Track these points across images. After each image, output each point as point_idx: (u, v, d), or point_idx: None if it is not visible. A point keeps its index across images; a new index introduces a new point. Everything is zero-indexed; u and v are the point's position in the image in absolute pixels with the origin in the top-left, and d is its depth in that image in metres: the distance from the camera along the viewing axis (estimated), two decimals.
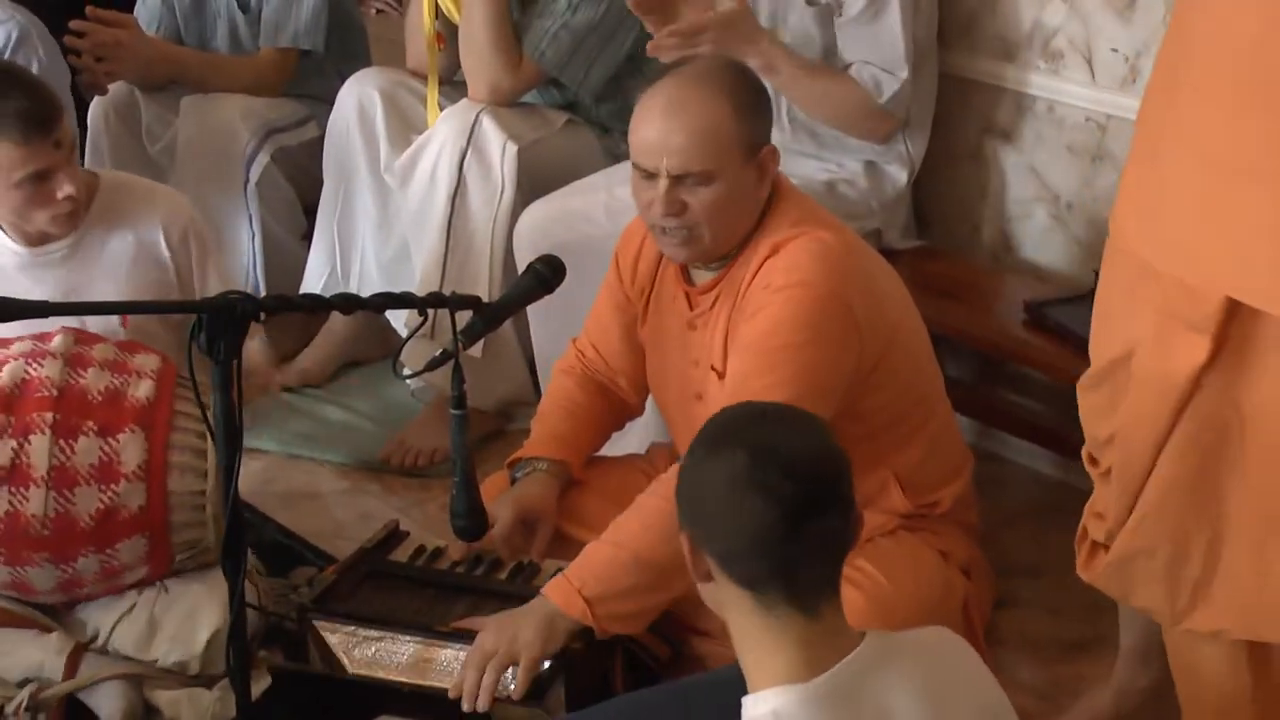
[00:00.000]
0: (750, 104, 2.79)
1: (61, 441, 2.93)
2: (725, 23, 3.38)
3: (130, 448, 2.95)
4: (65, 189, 3.10)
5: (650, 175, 2.77)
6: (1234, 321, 2.34)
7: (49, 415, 2.94)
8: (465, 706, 2.62)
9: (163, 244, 3.27)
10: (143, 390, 3.00)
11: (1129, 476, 2.50)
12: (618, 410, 3.19)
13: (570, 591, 2.66)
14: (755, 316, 2.76)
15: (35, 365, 2.98)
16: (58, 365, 2.98)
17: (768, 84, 3.51)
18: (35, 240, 3.21)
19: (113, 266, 3.22)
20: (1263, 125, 2.25)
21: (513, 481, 3.04)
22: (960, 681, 2.07)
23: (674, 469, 2.63)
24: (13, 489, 2.91)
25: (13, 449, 2.92)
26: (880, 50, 3.54)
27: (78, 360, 3.00)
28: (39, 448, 2.92)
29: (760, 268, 2.80)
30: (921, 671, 2.02)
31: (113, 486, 2.94)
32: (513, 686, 2.63)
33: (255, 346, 4.22)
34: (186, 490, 3.00)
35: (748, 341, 2.76)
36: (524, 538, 2.95)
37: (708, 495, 2.00)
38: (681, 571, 2.68)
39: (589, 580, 2.67)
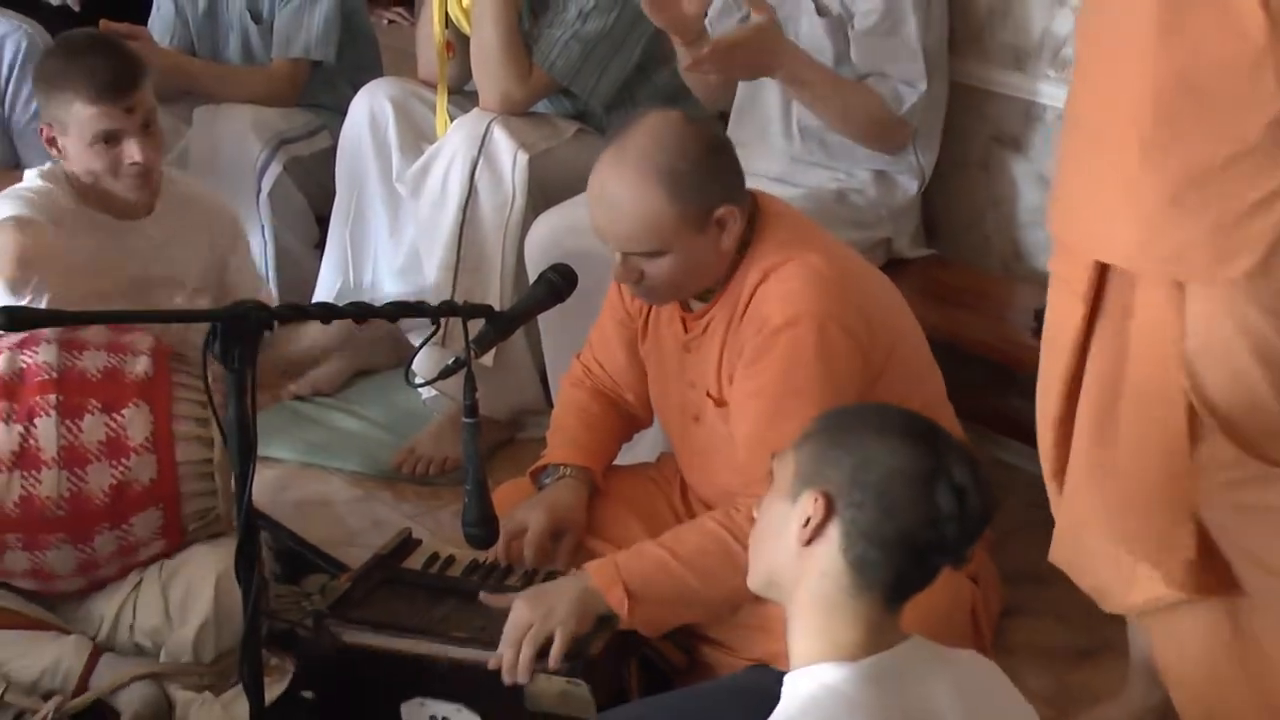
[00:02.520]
0: (690, 182, 2.73)
1: (68, 421, 2.96)
2: (755, 41, 3.37)
3: (136, 421, 2.98)
4: (133, 155, 3.19)
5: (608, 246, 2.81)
6: (1110, 285, 2.43)
7: (52, 397, 2.96)
8: (506, 679, 2.64)
9: (209, 245, 3.39)
10: (140, 366, 3.03)
11: (1045, 448, 2.57)
12: (628, 421, 3.20)
13: (614, 579, 2.70)
14: (762, 359, 2.76)
15: (30, 353, 3.01)
16: (53, 350, 3.01)
17: (794, 97, 3.53)
18: (117, 214, 3.29)
19: (188, 245, 3.35)
20: (1098, 88, 2.43)
21: (539, 488, 3.05)
22: (998, 702, 2.13)
23: (744, 509, 2.70)
24: (25, 473, 2.95)
25: (20, 434, 2.95)
26: (900, 62, 3.55)
27: (72, 344, 3.03)
28: (46, 430, 2.95)
29: (753, 295, 2.80)
30: (961, 682, 2.08)
31: (123, 461, 2.97)
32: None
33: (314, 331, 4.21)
34: (194, 460, 3.03)
35: (757, 387, 2.76)
36: (550, 545, 2.97)
37: (889, 472, 2.03)
38: (721, 600, 2.76)
39: (636, 575, 2.71)
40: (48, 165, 3.31)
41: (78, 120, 3.18)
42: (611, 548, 2.95)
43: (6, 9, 3.91)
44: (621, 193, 2.74)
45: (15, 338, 3.03)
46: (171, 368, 3.05)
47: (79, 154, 3.21)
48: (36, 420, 2.95)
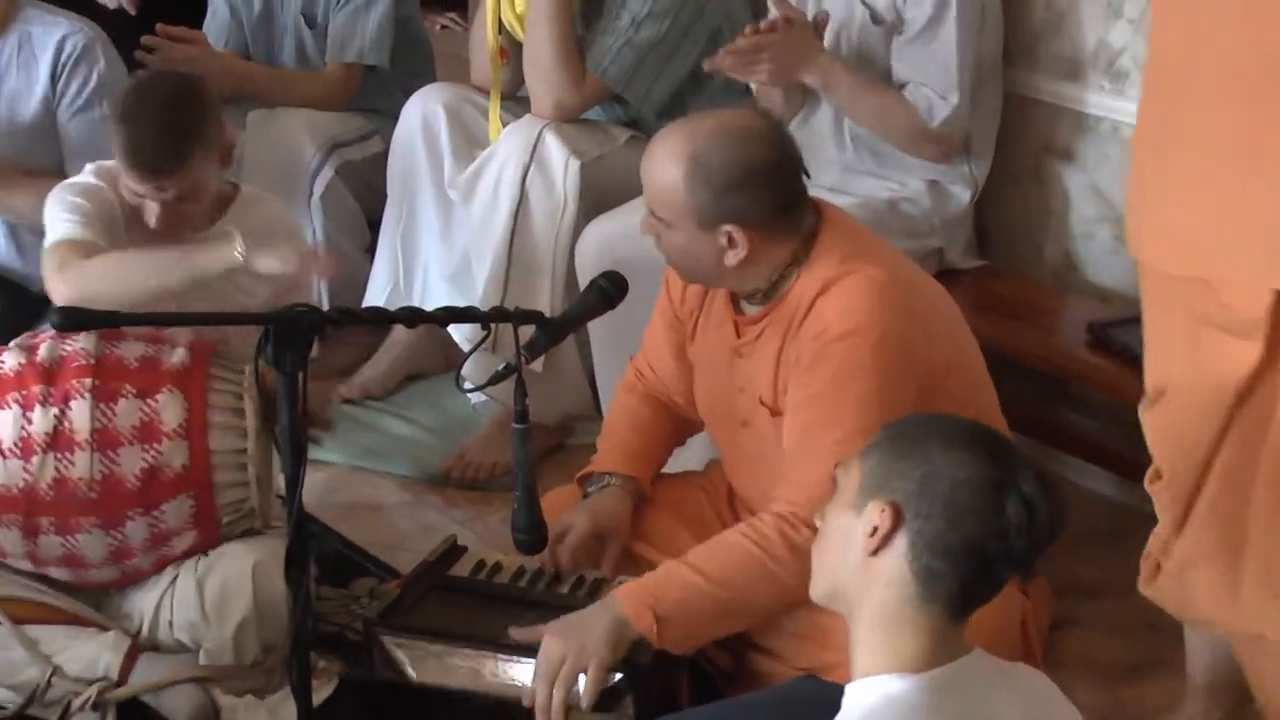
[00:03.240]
0: (710, 182, 2.73)
1: (102, 405, 2.98)
2: (784, 41, 3.39)
3: (170, 407, 2.99)
4: (150, 219, 3.18)
5: None
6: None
7: (88, 381, 2.98)
8: (540, 719, 2.63)
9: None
10: (177, 357, 3.04)
11: (1178, 485, 2.51)
12: (680, 426, 3.20)
13: (643, 606, 2.67)
14: (817, 367, 2.74)
15: (70, 341, 3.03)
16: (93, 338, 3.03)
17: (828, 100, 3.53)
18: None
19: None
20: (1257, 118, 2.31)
21: (585, 496, 3.05)
22: (1058, 717, 2.13)
23: (770, 520, 2.71)
24: (58, 455, 2.96)
25: (55, 416, 2.97)
26: (935, 73, 3.55)
27: (112, 334, 3.05)
28: (80, 412, 2.97)
29: (812, 306, 2.78)
30: (1022, 696, 2.08)
31: (155, 445, 2.98)
32: (581, 692, 2.64)
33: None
34: (228, 449, 3.03)
35: (813, 394, 2.75)
36: (595, 551, 2.97)
37: (958, 483, 2.03)
38: (754, 614, 2.75)
39: (664, 599, 2.68)
40: (109, 162, 3.31)
41: (119, 169, 3.18)
42: (659, 554, 2.95)
43: (67, 9, 3.93)
44: (659, 153, 2.79)
45: None
46: (210, 360, 3.06)
47: (125, 182, 3.21)
48: (72, 402, 2.98)
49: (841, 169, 3.73)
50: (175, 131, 3.16)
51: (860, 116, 3.60)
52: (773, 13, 3.56)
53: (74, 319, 2.54)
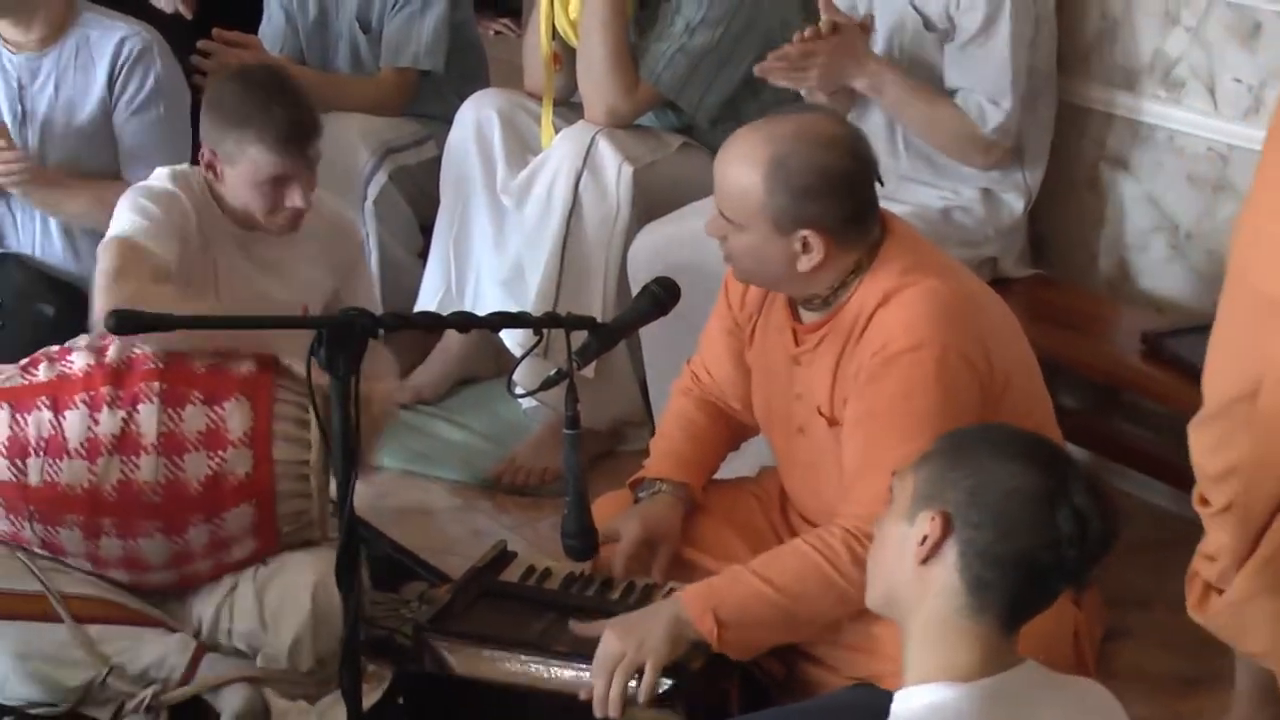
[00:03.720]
0: (790, 185, 2.72)
1: (169, 409, 2.99)
2: (833, 47, 3.38)
3: (236, 415, 3.00)
4: (295, 200, 3.23)
5: None
6: None
7: (156, 384, 2.99)
8: (597, 713, 2.64)
9: (331, 264, 3.41)
10: (244, 366, 3.05)
11: (1252, 517, 2.47)
12: (735, 430, 3.19)
13: (705, 608, 2.68)
14: (879, 383, 2.73)
15: (139, 344, 3.04)
16: None
17: (878, 106, 3.53)
18: (245, 225, 3.32)
19: (307, 263, 3.38)
20: None
21: (636, 501, 3.05)
22: None
23: (838, 533, 2.70)
24: (124, 457, 2.97)
25: (122, 419, 2.98)
26: (986, 79, 3.54)
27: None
28: (147, 415, 2.98)
29: (872, 317, 2.78)
30: (1076, 710, 2.08)
31: (220, 452, 2.99)
32: (637, 688, 2.65)
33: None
34: (291, 459, 3.03)
35: (876, 409, 2.74)
36: (645, 557, 2.97)
37: (1009, 493, 2.03)
38: (814, 626, 2.75)
39: (727, 603, 2.69)
40: (184, 166, 3.35)
41: (252, 161, 3.21)
42: (711, 560, 2.96)
43: (125, 14, 3.96)
44: (736, 155, 2.77)
45: None
46: (276, 370, 3.07)
47: (239, 189, 3.25)
48: (139, 406, 2.98)
49: (895, 177, 3.72)
50: (305, 102, 3.31)
51: (910, 122, 3.59)
52: (824, 19, 3.56)
53: (128, 322, 2.55)
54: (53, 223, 3.84)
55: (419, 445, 4.07)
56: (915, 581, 2.08)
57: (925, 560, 2.06)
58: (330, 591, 2.91)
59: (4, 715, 3.07)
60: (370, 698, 2.84)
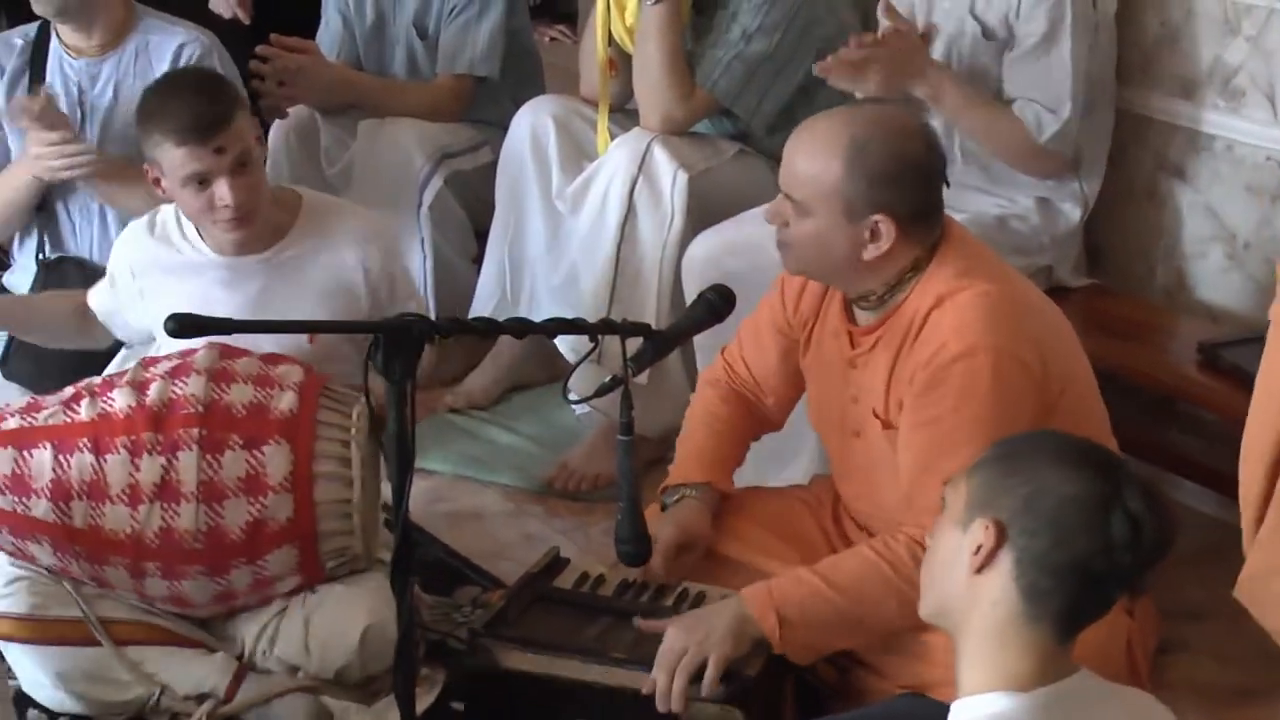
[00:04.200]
0: (870, 170, 2.73)
1: (209, 456, 2.97)
2: (893, 53, 3.38)
3: (276, 459, 2.99)
4: (224, 198, 3.14)
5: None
6: None
7: (195, 431, 2.98)
8: (660, 707, 2.64)
9: (361, 271, 3.30)
10: (285, 402, 3.03)
11: (1251, 492, 2.49)
12: (758, 424, 3.20)
13: (768, 606, 2.69)
14: (935, 389, 2.73)
15: (180, 383, 3.02)
16: (202, 382, 3.02)
17: (935, 114, 3.52)
18: (228, 251, 3.27)
19: (308, 285, 3.27)
20: None
21: (663, 508, 3.06)
22: None
23: (902, 540, 2.70)
24: (164, 505, 2.96)
25: (162, 466, 2.97)
26: (1046, 89, 3.53)
27: (221, 375, 3.04)
28: (187, 463, 2.97)
29: (926, 319, 2.78)
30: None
31: (261, 499, 2.98)
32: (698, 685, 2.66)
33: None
34: (333, 499, 3.03)
35: (932, 416, 2.73)
36: (684, 560, 2.97)
37: (1062, 500, 2.03)
38: (876, 630, 2.75)
39: (790, 602, 2.70)
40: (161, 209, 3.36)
41: (169, 162, 3.15)
42: (762, 560, 2.97)
43: (186, 20, 3.99)
44: (816, 133, 2.78)
45: (170, 364, 3.07)
46: (319, 404, 3.05)
47: (176, 195, 3.20)
48: (179, 453, 2.97)
49: (951, 184, 3.70)
50: (212, 91, 3.22)
51: (968, 130, 3.59)
52: (883, 25, 3.55)
53: (187, 325, 2.57)
54: (111, 226, 3.87)
55: (471, 450, 4.08)
56: (969, 591, 2.07)
57: (980, 569, 2.05)
58: (382, 628, 2.92)
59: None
60: (424, 701, 2.84)
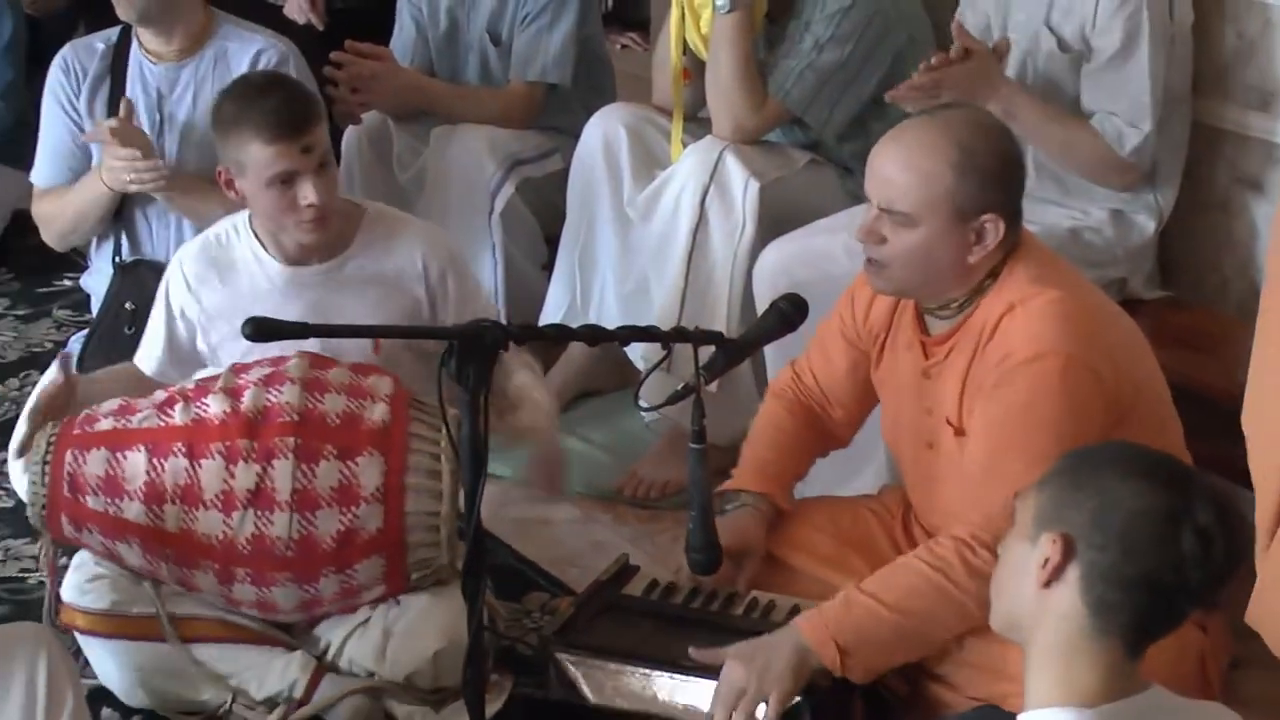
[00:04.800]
0: (983, 168, 2.74)
1: (304, 465, 2.99)
2: (964, 72, 3.36)
3: (369, 471, 3.01)
4: (308, 196, 3.16)
5: (868, 195, 2.82)
6: None
7: (291, 440, 3.00)
8: None
9: (420, 281, 3.32)
10: (378, 413, 3.05)
11: (1267, 503, 2.48)
12: (824, 437, 3.20)
13: (825, 636, 2.68)
14: (1002, 392, 2.73)
15: (275, 391, 3.05)
16: (296, 390, 3.04)
17: (1011, 129, 3.50)
18: (294, 258, 3.29)
19: (368, 295, 3.28)
20: None
21: (720, 513, 3.05)
22: None
23: (949, 544, 2.70)
24: (258, 512, 2.99)
25: (258, 474, 2.99)
26: (1125, 101, 3.50)
27: (314, 385, 3.06)
28: (282, 472, 2.99)
29: (998, 326, 2.78)
30: None
31: (352, 509, 3.00)
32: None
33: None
34: (421, 511, 3.04)
35: (998, 419, 2.73)
36: (732, 569, 2.97)
37: (1131, 514, 2.02)
38: (937, 639, 2.74)
39: (846, 628, 2.69)
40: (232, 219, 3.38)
41: (255, 162, 3.16)
42: (825, 569, 2.98)
43: (263, 27, 4.03)
44: (919, 140, 2.77)
45: (262, 372, 3.09)
46: (410, 416, 3.07)
47: (256, 196, 3.21)
48: (274, 461, 2.99)
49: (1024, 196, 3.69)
50: (297, 92, 3.28)
51: (1044, 146, 3.56)
52: (955, 44, 3.54)
53: (265, 330, 2.59)
54: (186, 231, 3.91)
55: None
56: (1037, 604, 2.06)
57: (1048, 583, 2.05)
58: (457, 648, 2.88)
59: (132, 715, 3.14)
60: (492, 706, 2.86)
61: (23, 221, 4.32)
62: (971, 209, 2.74)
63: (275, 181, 3.16)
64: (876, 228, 2.80)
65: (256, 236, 3.31)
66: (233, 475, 2.99)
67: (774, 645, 2.69)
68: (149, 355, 3.39)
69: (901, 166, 2.77)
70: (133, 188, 3.80)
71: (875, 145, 2.84)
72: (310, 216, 3.19)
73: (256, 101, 3.19)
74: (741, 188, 3.84)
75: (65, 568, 3.16)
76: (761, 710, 2.65)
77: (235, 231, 3.35)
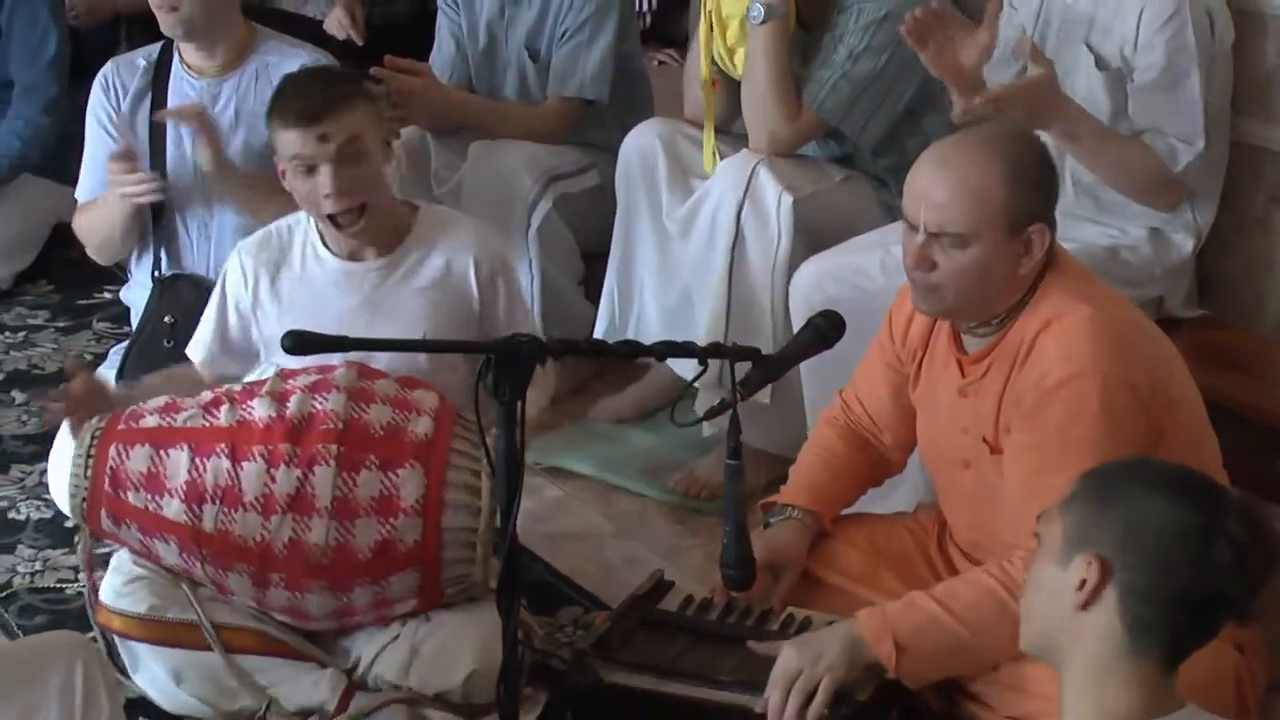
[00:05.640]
0: (1030, 178, 2.76)
1: (345, 474, 3.00)
2: (1034, 94, 3.34)
3: (409, 483, 3.02)
4: (323, 186, 3.18)
5: (913, 226, 2.79)
6: None
7: (334, 447, 3.01)
8: None
9: (472, 277, 3.34)
10: (421, 427, 3.06)
11: None
12: (877, 466, 3.20)
13: (884, 631, 2.69)
14: (1041, 413, 2.73)
15: (320, 399, 3.06)
16: (342, 399, 3.05)
17: (1069, 152, 3.48)
18: (349, 254, 3.32)
19: (422, 293, 3.31)
20: None
21: (765, 525, 3.06)
22: None
23: (1019, 564, 2.66)
24: (296, 517, 3.00)
25: (298, 479, 3.00)
26: (1178, 119, 3.48)
27: (360, 395, 3.08)
28: (323, 479, 3.00)
29: (1034, 343, 2.77)
30: None
31: (391, 520, 3.01)
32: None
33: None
34: (459, 527, 3.05)
35: (1039, 439, 2.73)
36: (769, 583, 2.97)
37: (1162, 531, 2.02)
38: (993, 655, 2.73)
39: (906, 628, 2.70)
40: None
41: (281, 148, 3.23)
42: (857, 587, 2.98)
43: (305, 42, 4.05)
44: (963, 159, 2.76)
45: (309, 379, 3.11)
46: (453, 432, 3.08)
47: (292, 185, 3.26)
48: (316, 468, 3.01)
49: (1060, 214, 3.65)
50: (325, 81, 3.29)
51: (1101, 165, 3.50)
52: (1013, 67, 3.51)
53: (303, 342, 2.60)
54: (226, 244, 3.92)
55: (609, 452, 4.12)
56: (1073, 626, 2.06)
57: (1085, 605, 2.04)
58: (487, 671, 2.93)
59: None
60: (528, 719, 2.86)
61: (64, 235, 4.35)
62: (1021, 221, 2.75)
63: (298, 168, 3.21)
64: (926, 253, 2.78)
65: (317, 231, 3.35)
66: (273, 479, 3.01)
67: (831, 635, 2.72)
68: (200, 342, 3.43)
69: (952, 189, 2.75)
70: (130, 200, 3.84)
71: (915, 170, 2.82)
72: (328, 208, 3.21)
73: (287, 89, 3.27)
74: (775, 201, 3.83)
75: (105, 564, 3.18)
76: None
77: (296, 226, 3.38)
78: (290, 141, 3.19)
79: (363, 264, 3.31)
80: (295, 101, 3.20)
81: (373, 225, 3.27)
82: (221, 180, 3.81)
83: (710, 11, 4.00)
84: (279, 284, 3.34)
